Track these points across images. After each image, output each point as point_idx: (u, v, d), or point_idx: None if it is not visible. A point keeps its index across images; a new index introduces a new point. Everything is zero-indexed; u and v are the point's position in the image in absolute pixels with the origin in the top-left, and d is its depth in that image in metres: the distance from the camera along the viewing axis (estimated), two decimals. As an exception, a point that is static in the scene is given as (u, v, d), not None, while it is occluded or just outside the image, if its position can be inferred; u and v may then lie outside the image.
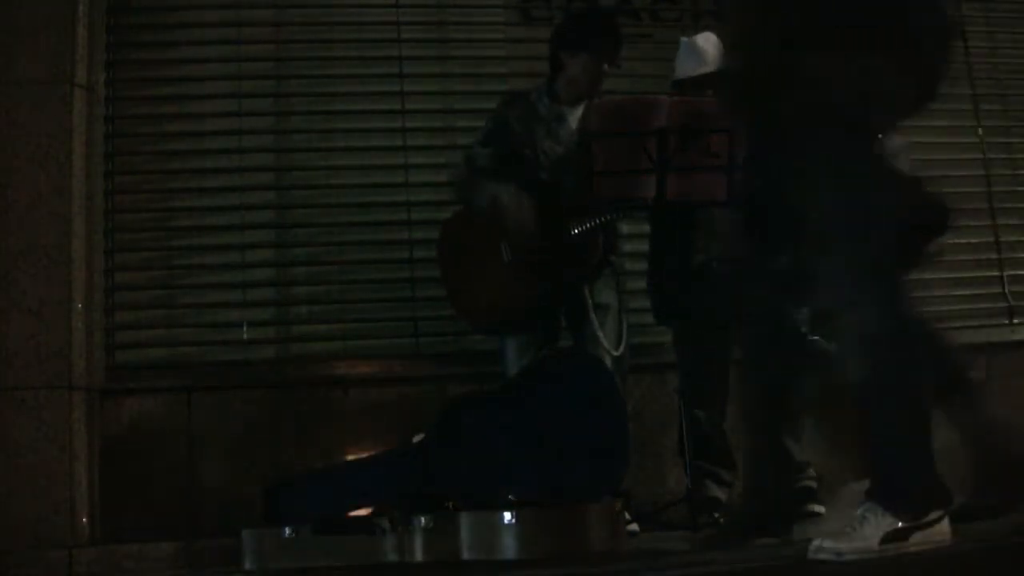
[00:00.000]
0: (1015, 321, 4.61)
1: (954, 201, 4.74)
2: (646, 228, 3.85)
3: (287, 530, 2.91)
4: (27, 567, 3.25)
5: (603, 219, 3.33)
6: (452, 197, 3.73)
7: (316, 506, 3.10)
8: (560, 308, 3.55)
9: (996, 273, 4.67)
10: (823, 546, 2.20)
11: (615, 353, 3.40)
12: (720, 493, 3.60)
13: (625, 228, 3.92)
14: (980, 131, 4.80)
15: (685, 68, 3.63)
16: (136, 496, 3.73)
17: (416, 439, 3.22)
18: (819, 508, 3.49)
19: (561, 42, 3.56)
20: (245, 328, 4.02)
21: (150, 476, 3.76)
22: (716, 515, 3.13)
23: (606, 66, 3.50)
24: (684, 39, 3.72)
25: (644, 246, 3.84)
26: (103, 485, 3.66)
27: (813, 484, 3.56)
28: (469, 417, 3.11)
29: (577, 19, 3.72)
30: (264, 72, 4.27)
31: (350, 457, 3.83)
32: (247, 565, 2.97)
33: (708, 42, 3.65)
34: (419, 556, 2.75)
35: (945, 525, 2.29)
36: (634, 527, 3.31)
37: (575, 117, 3.55)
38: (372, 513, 2.96)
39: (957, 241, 4.71)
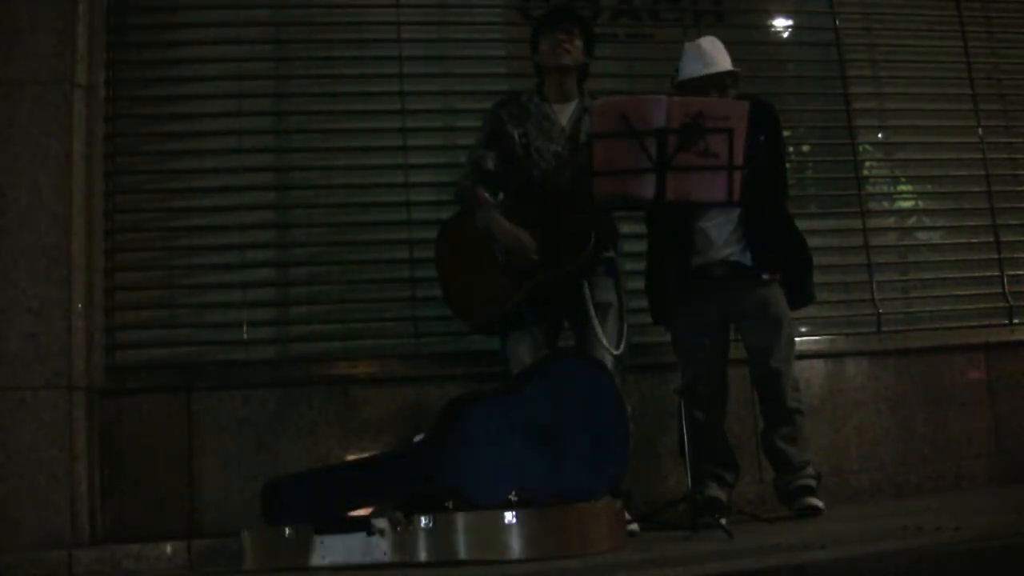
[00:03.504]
0: (1015, 321, 4.61)
1: (954, 201, 4.78)
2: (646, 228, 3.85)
3: (287, 530, 2.91)
4: (27, 567, 3.25)
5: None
6: (453, 199, 3.72)
7: (316, 506, 3.10)
8: (559, 308, 3.55)
9: (996, 273, 4.68)
10: None
11: (615, 352, 3.40)
12: (721, 493, 3.61)
13: (625, 228, 3.92)
14: (980, 131, 4.81)
15: (689, 70, 3.63)
16: (136, 496, 3.73)
17: (416, 439, 3.22)
18: (818, 504, 3.50)
19: (532, 46, 3.67)
20: (245, 328, 4.01)
21: (150, 476, 3.76)
22: (716, 515, 3.13)
23: (561, 36, 3.54)
24: (688, 42, 3.73)
25: (644, 246, 3.84)
26: (103, 485, 3.67)
27: (812, 483, 3.56)
28: (469, 417, 3.11)
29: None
30: (264, 72, 4.26)
31: (350, 457, 3.84)
32: (247, 565, 2.98)
33: (712, 45, 3.66)
34: (419, 556, 2.75)
35: None
36: (634, 527, 3.31)
37: (565, 116, 3.57)
38: (372, 513, 2.95)
39: (957, 241, 4.73)
